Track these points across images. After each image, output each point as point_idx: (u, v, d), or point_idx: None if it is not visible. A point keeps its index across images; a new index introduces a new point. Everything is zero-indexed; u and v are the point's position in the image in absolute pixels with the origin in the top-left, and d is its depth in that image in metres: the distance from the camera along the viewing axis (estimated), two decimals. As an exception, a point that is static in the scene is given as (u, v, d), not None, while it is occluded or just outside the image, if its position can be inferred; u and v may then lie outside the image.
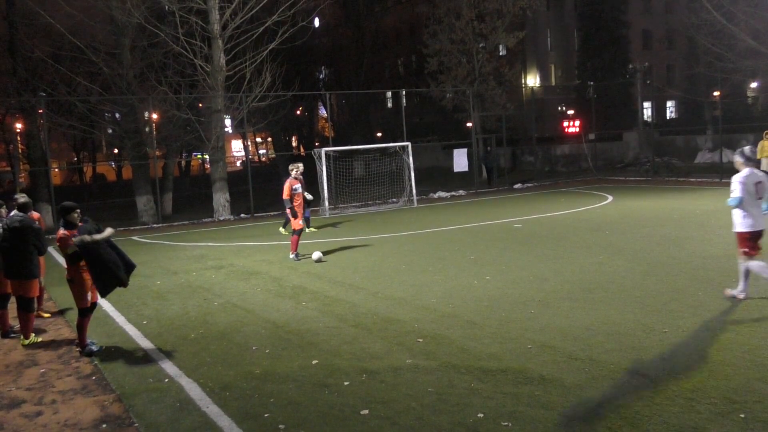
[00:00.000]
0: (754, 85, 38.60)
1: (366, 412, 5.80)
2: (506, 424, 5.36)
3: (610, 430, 5.15)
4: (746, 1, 28.69)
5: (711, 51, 30.37)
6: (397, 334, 8.10)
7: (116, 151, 55.47)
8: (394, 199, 26.37)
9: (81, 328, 8.19)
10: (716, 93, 36.35)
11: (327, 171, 24.04)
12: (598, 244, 13.68)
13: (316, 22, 48.39)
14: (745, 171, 8.65)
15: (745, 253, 8.59)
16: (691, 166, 33.71)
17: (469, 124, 33.76)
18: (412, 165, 25.67)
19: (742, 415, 5.25)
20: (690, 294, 9.14)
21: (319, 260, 13.49)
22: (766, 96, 39.09)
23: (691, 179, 28.50)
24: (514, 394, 5.97)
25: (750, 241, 8.58)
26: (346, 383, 6.54)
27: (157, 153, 30.87)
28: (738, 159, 8.81)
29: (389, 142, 30.02)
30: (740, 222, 8.65)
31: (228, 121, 29.47)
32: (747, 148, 8.87)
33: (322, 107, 57.94)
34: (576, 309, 8.73)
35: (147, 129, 26.64)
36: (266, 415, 5.87)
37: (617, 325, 7.87)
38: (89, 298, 8.20)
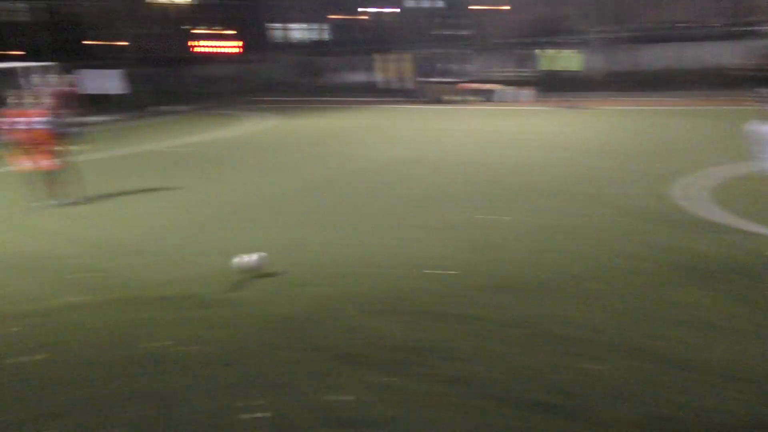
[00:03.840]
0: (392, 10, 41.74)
1: (39, 357, 5.33)
2: (192, 348, 5.36)
3: (290, 339, 5.45)
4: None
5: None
6: (62, 272, 7.46)
7: None
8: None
9: None
10: (362, 16, 38.67)
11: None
12: (260, 164, 14.05)
13: None
14: None
15: None
16: (341, 85, 35.70)
17: (106, 44, 31.30)
18: (41, 88, 23.19)
19: (402, 311, 5.93)
20: (352, 206, 9.89)
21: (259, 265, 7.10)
22: (399, 21, 42.67)
23: (344, 99, 30.32)
24: (199, 318, 5.99)
25: None
26: (15, 329, 5.92)
27: None
28: None
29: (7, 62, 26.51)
30: None
31: None
32: None
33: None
34: (247, 229, 8.94)
35: None
36: None
37: (288, 242, 8.24)
38: None
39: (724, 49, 24.88)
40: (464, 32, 35.30)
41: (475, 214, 9.15)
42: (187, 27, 40.57)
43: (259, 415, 4.33)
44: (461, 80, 26.49)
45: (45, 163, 10.54)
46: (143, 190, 11.73)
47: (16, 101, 10.44)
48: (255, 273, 6.92)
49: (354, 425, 4.18)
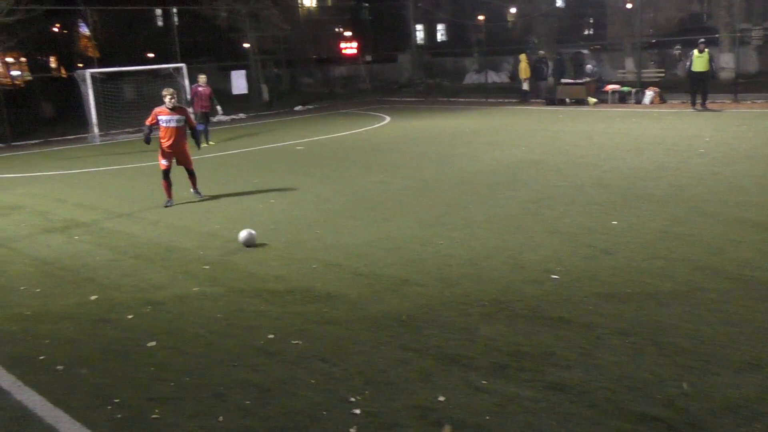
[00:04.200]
0: (512, 10, 41.34)
1: (153, 344, 5.62)
2: (296, 342, 5.48)
3: (393, 337, 5.46)
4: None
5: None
6: (181, 263, 7.88)
7: None
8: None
9: None
10: (480, 17, 38.49)
11: (94, 95, 22.25)
12: (377, 163, 14.18)
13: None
14: None
15: None
16: (460, 86, 35.72)
17: (246, 45, 32.82)
18: (188, 88, 24.54)
19: (507, 314, 5.81)
20: (461, 207, 9.83)
21: (249, 242, 8.36)
22: (522, 20, 42.07)
23: (461, 99, 30.28)
24: (302, 313, 6.11)
25: None
26: (129, 317, 6.27)
27: None
28: None
29: (162, 64, 28.35)
30: None
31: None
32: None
33: (82, 25, 53.02)
34: (358, 227, 9.04)
35: None
36: (41, 358, 5.48)
37: (397, 240, 8.28)
38: None
39: None
40: (593, 31, 34.31)
41: (587, 218, 8.84)
42: (312, 28, 41.74)
43: (356, 411, 4.36)
44: (585, 81, 25.68)
45: (181, 160, 11.16)
46: (261, 187, 12.15)
47: (164, 100, 10.88)
48: (249, 245, 8.25)
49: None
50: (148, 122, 10.98)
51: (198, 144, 11.71)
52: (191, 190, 11.43)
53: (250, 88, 30.29)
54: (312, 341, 5.48)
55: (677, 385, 4.44)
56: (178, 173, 11.27)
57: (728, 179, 10.67)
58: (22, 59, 64.58)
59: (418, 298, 6.31)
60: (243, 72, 29.90)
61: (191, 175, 11.34)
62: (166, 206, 10.91)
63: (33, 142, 23.02)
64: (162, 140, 10.91)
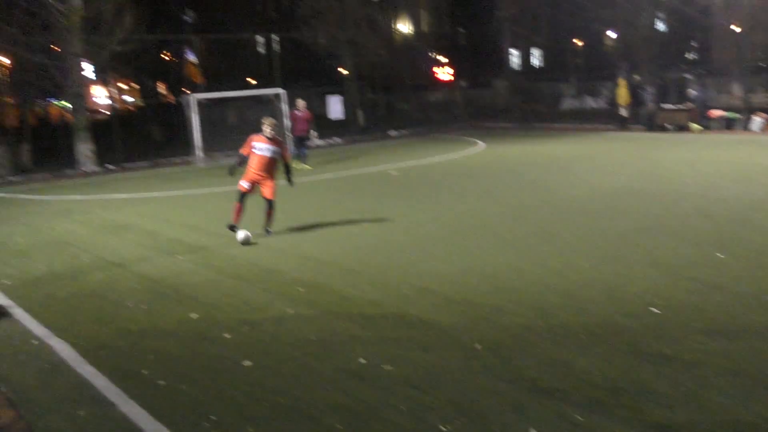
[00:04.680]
0: (611, 34, 40.49)
1: (249, 363, 5.78)
2: (388, 367, 5.50)
3: (486, 367, 5.40)
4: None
5: (573, 0, 31.46)
6: (278, 285, 8.08)
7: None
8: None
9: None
10: (578, 42, 37.92)
11: (199, 119, 23.24)
12: (471, 189, 14.13)
13: (181, -39, 45.95)
14: None
15: None
16: (556, 112, 35.20)
17: (343, 71, 33.54)
18: (287, 113, 25.26)
19: (604, 347, 5.65)
20: (557, 235, 9.65)
21: (246, 242, 10.23)
22: (622, 45, 41.19)
23: (556, 125, 29.83)
24: (395, 339, 6.13)
25: None
26: (227, 336, 6.47)
27: (9, 99, 28.66)
28: None
29: (263, 89, 29.34)
30: None
31: (88, 66, 27.66)
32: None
33: (189, 52, 55.57)
34: (452, 253, 9.02)
35: (-4, 74, 24.65)
36: (145, 372, 5.73)
37: (491, 268, 8.20)
38: None
39: None
40: (695, 55, 33.18)
41: (690, 250, 8.50)
42: (408, 54, 42.19)
43: (446, 440, 4.33)
44: (689, 107, 24.80)
45: (264, 191, 10.68)
46: (355, 211, 12.32)
47: (263, 128, 10.59)
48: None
49: (542, 463, 4.04)
50: (242, 151, 10.77)
51: (290, 182, 11.17)
52: (265, 229, 10.81)
53: (346, 113, 30.88)
54: (404, 367, 5.49)
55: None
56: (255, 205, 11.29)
57: None
58: (134, 86, 68.23)
59: (511, 328, 6.22)
60: (339, 97, 30.55)
61: (270, 208, 10.75)
62: (230, 228, 10.53)
63: (142, 164, 24.21)
64: (250, 167, 10.62)
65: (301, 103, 19.72)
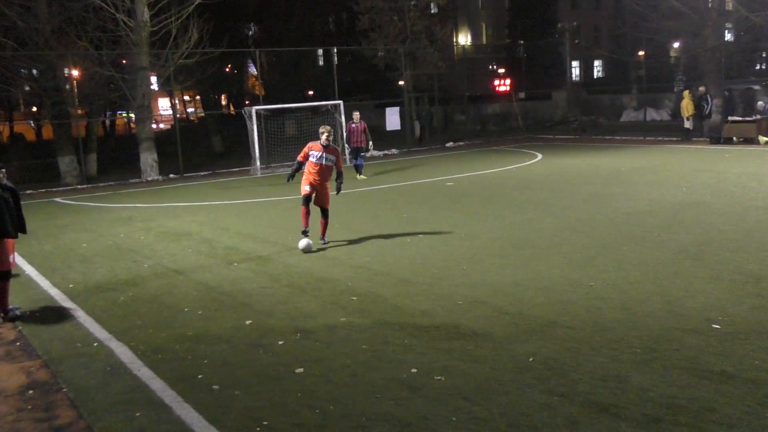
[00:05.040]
0: (676, 45, 39.65)
1: (301, 370, 5.82)
2: (439, 378, 5.47)
3: (539, 380, 5.32)
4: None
5: (636, 11, 30.93)
6: (331, 293, 8.12)
7: (35, 109, 52.98)
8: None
9: (3, 292, 7.90)
10: (640, 53, 37.22)
11: (258, 130, 23.66)
12: (527, 201, 13.97)
13: (244, -24, 47.00)
14: None
15: None
16: (616, 124, 34.59)
17: (401, 83, 33.68)
18: (344, 124, 25.49)
19: (662, 363, 5.49)
20: (614, 248, 9.45)
21: (307, 250, 10.42)
22: (687, 56, 40.28)
23: (617, 137, 29.28)
24: (447, 349, 6.09)
25: None
26: (280, 343, 6.54)
27: (79, 111, 29.73)
28: None
29: (321, 101, 29.70)
30: None
31: (154, 79, 28.53)
32: None
33: (251, 65, 56.67)
34: (506, 265, 8.92)
35: (67, 86, 25.56)
36: (200, 377, 5.83)
37: (545, 280, 8.09)
38: (11, 259, 7.90)
39: None
40: (764, 66, 32.15)
41: (754, 265, 8.20)
42: (467, 66, 42.14)
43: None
44: (757, 118, 24.02)
45: (319, 199, 10.73)
46: (410, 222, 12.32)
47: (320, 136, 10.66)
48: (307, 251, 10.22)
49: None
50: (299, 158, 10.86)
51: (338, 190, 11.09)
52: (320, 239, 10.89)
53: (403, 124, 30.97)
54: (455, 378, 5.45)
55: None
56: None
57: None
58: (197, 97, 69.87)
59: (566, 341, 6.11)
60: (397, 109, 30.67)
61: (324, 216, 10.85)
62: (303, 234, 10.60)
63: (202, 173, 24.75)
64: (308, 173, 10.67)
65: (356, 114, 19.91)
